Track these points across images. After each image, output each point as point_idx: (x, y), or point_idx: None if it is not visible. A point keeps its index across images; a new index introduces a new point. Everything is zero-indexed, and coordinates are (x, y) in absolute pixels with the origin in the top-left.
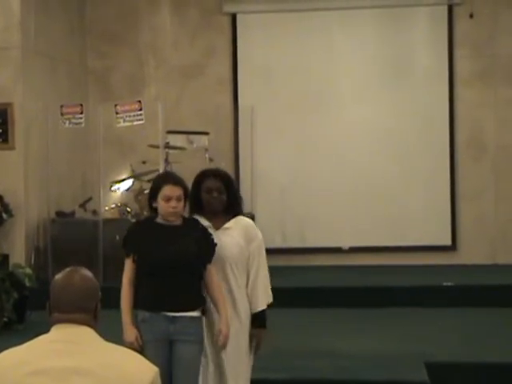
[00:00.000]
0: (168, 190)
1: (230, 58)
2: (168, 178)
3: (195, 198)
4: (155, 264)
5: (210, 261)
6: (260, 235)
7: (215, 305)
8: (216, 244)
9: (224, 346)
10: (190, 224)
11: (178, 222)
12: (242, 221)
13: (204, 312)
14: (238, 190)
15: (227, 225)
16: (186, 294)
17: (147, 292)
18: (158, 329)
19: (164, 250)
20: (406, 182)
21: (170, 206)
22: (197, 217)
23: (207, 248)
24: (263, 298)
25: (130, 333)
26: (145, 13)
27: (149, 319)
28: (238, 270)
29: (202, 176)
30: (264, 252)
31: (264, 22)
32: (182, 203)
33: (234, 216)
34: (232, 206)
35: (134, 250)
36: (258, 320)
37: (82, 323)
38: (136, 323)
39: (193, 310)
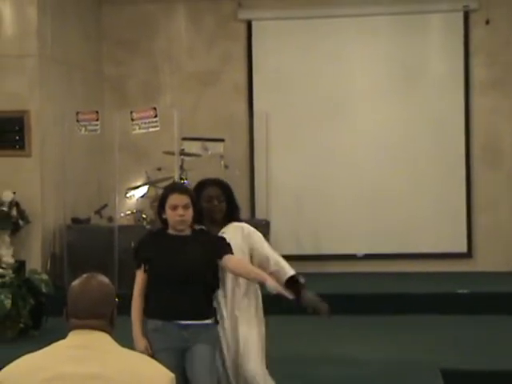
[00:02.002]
0: (174, 198)
1: (245, 65)
2: (174, 187)
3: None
4: (165, 274)
5: (226, 252)
6: (255, 230)
7: (252, 278)
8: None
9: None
10: (200, 234)
11: (188, 232)
12: (234, 223)
13: (217, 321)
14: (236, 199)
15: (222, 230)
16: (195, 303)
17: (158, 302)
18: (171, 336)
19: (173, 260)
20: (421, 189)
21: (177, 214)
22: (196, 226)
23: (220, 246)
24: (289, 267)
25: (141, 343)
26: (161, 20)
27: (161, 328)
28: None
29: (202, 185)
30: (266, 243)
31: (279, 29)
32: (189, 211)
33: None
34: (231, 215)
35: (145, 260)
36: (296, 283)
37: (99, 329)
38: (146, 333)
39: (204, 319)
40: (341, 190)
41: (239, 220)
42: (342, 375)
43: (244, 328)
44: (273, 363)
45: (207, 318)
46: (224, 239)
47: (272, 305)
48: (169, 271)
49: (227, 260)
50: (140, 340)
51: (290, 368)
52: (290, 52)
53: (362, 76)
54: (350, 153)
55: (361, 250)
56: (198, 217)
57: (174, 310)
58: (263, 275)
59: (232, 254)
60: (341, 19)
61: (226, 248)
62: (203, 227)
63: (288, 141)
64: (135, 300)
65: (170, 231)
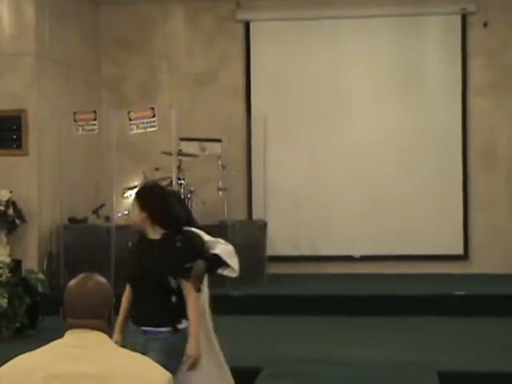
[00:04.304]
0: None
1: (243, 65)
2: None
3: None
4: (129, 278)
5: (182, 276)
6: None
7: (191, 321)
8: (196, 260)
9: (192, 368)
10: (169, 239)
11: (157, 235)
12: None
13: (176, 329)
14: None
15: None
16: (151, 310)
17: (132, 305)
18: (137, 341)
19: (134, 265)
20: (418, 191)
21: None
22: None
23: (178, 264)
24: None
25: (114, 339)
26: (158, 20)
27: (134, 331)
28: None
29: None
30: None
31: (277, 29)
32: (136, 213)
33: None
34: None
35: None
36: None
37: (96, 328)
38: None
39: (161, 325)
40: (338, 192)
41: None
42: (338, 376)
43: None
44: (272, 363)
45: (162, 326)
46: (189, 258)
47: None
48: (131, 275)
49: (184, 288)
50: (115, 336)
51: (287, 368)
52: (288, 53)
53: (360, 77)
54: (347, 154)
55: (358, 252)
56: (171, 221)
57: (137, 315)
58: (193, 331)
59: (189, 279)
60: (339, 20)
61: (184, 272)
62: (189, 229)
63: (285, 142)
64: (123, 300)
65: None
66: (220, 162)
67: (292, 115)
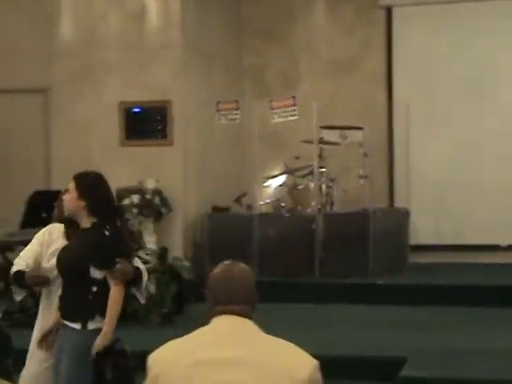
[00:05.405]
0: None
1: (384, 52)
2: None
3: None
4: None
5: (106, 265)
6: None
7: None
8: (118, 255)
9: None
10: (94, 229)
11: (88, 224)
12: None
13: (85, 325)
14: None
15: None
16: (69, 302)
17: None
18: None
19: (59, 255)
20: None
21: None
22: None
23: (103, 251)
24: None
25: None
26: (299, 9)
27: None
28: None
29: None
30: None
31: (420, 14)
32: (69, 197)
33: None
34: None
35: None
36: None
37: (242, 315)
38: None
39: (72, 320)
40: (484, 179)
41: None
42: (486, 368)
43: None
44: (419, 354)
45: (75, 320)
46: (109, 247)
47: None
48: (56, 265)
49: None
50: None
51: (434, 358)
52: (431, 38)
53: (507, 62)
54: (494, 141)
55: (505, 241)
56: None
57: (60, 307)
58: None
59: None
60: (483, 3)
61: (106, 262)
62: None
63: (429, 128)
64: None
65: None
66: (362, 150)
67: (436, 101)
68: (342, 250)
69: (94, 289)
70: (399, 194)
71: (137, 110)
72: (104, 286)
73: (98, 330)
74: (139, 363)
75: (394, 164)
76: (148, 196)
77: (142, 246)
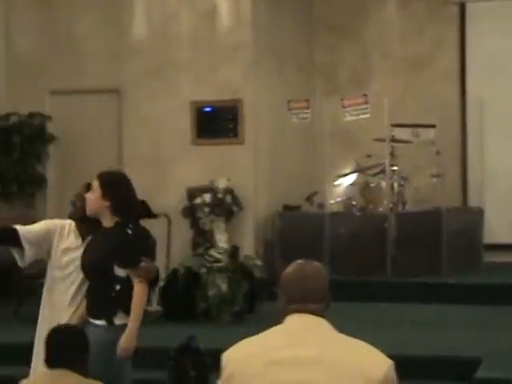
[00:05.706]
0: None
1: (457, 48)
2: None
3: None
4: (81, 269)
5: (126, 267)
6: None
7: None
8: (143, 254)
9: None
10: (117, 228)
11: (110, 223)
12: None
13: (109, 322)
14: None
15: None
16: (94, 300)
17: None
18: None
19: (83, 255)
20: None
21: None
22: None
23: (126, 250)
24: None
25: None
26: (371, 6)
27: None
28: None
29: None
30: None
31: (494, 10)
32: (92, 196)
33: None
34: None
35: None
36: None
37: (316, 314)
38: None
39: (97, 317)
40: None
41: None
42: None
43: None
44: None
45: (99, 317)
46: (132, 246)
47: None
48: (81, 265)
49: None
50: None
51: (510, 359)
52: (506, 34)
53: None
54: None
55: None
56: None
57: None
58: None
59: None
60: None
61: (129, 260)
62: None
63: (504, 126)
64: None
65: None
66: (434, 148)
67: (510, 99)
68: (415, 248)
69: (118, 287)
70: (473, 192)
71: (208, 109)
72: (127, 284)
73: (122, 327)
74: (213, 361)
75: (468, 162)
76: (219, 195)
77: (213, 245)
